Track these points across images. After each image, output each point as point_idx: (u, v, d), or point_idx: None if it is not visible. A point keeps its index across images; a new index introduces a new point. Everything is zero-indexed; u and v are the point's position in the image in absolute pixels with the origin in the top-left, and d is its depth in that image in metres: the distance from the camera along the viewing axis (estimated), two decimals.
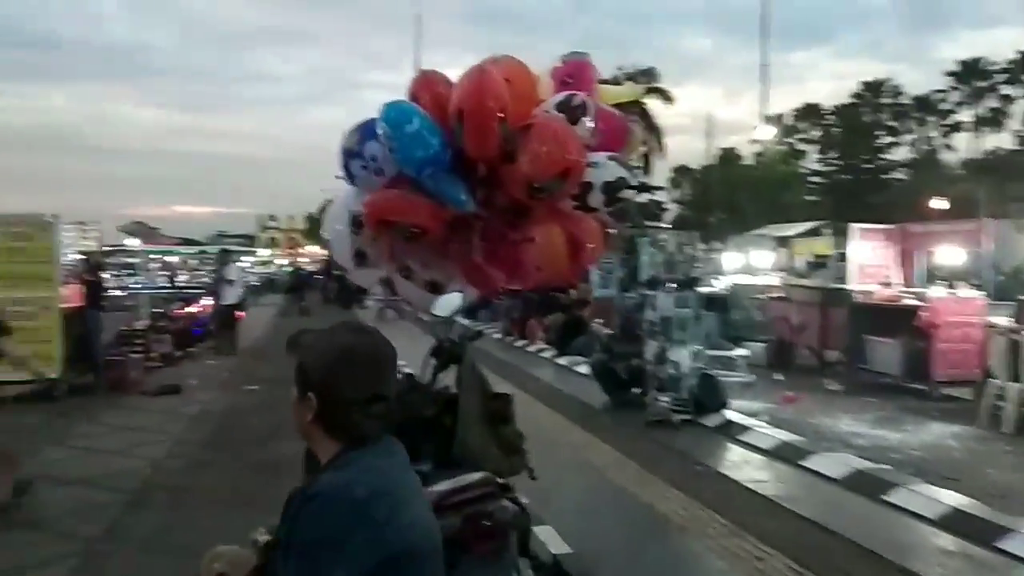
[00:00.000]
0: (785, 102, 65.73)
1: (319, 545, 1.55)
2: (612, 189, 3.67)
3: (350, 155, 3.71)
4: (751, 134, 40.42)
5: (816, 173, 54.76)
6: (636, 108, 30.22)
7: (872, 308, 11.22)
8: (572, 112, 3.65)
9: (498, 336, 16.77)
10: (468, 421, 3.78)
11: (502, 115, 3.34)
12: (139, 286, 27.19)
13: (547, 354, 13.64)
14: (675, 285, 8.16)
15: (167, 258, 37.36)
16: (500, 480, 2.99)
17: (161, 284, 30.13)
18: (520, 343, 15.36)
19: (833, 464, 6.33)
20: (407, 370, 4.75)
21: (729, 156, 43.22)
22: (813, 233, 16.22)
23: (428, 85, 3.72)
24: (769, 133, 36.98)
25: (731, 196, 37.26)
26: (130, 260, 34.08)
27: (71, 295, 11.35)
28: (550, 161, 3.39)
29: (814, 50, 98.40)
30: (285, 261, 51.80)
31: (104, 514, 5.47)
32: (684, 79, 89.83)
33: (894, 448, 7.32)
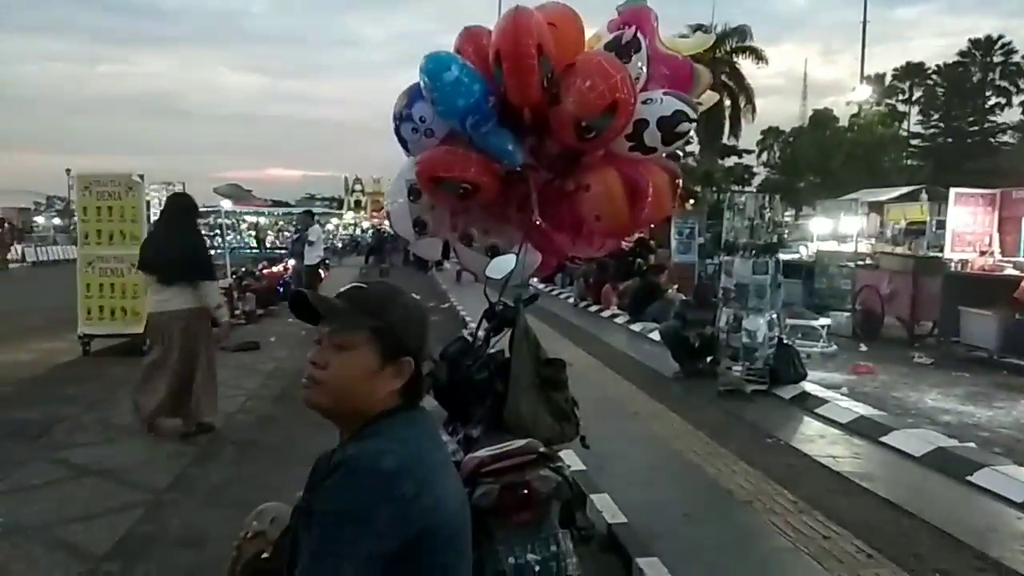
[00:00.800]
0: (887, 61, 62.71)
1: (343, 516, 1.49)
2: (669, 124, 3.47)
3: (401, 119, 3.68)
4: (848, 95, 38.72)
5: (917, 136, 52.14)
6: (725, 67, 29.13)
7: (968, 278, 10.62)
8: (622, 51, 3.51)
9: (572, 301, 16.63)
10: (520, 386, 3.69)
11: (541, 53, 3.21)
12: (229, 246, 28.00)
13: (621, 320, 13.42)
14: (752, 250, 7.82)
15: (257, 219, 38.52)
16: (542, 449, 2.87)
17: (249, 244, 31.08)
18: (594, 308, 15.17)
19: (915, 441, 5.99)
20: (463, 333, 4.68)
21: (822, 117, 41.37)
22: (909, 198, 15.37)
23: (472, 39, 3.62)
24: (865, 93, 35.18)
25: (824, 159, 35.80)
26: (222, 221, 35.20)
27: None
28: (596, 95, 3.25)
29: (920, 5, 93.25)
30: (369, 224, 52.67)
31: (173, 465, 5.63)
32: (779, 37, 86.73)
33: (983, 426, 6.89)
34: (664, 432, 6.55)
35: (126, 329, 10.09)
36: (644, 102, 3.42)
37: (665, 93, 3.52)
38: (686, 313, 8.91)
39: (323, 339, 1.65)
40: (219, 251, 20.30)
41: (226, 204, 32.84)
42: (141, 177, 10.39)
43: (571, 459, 5.55)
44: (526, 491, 2.72)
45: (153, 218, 14.70)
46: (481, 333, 3.90)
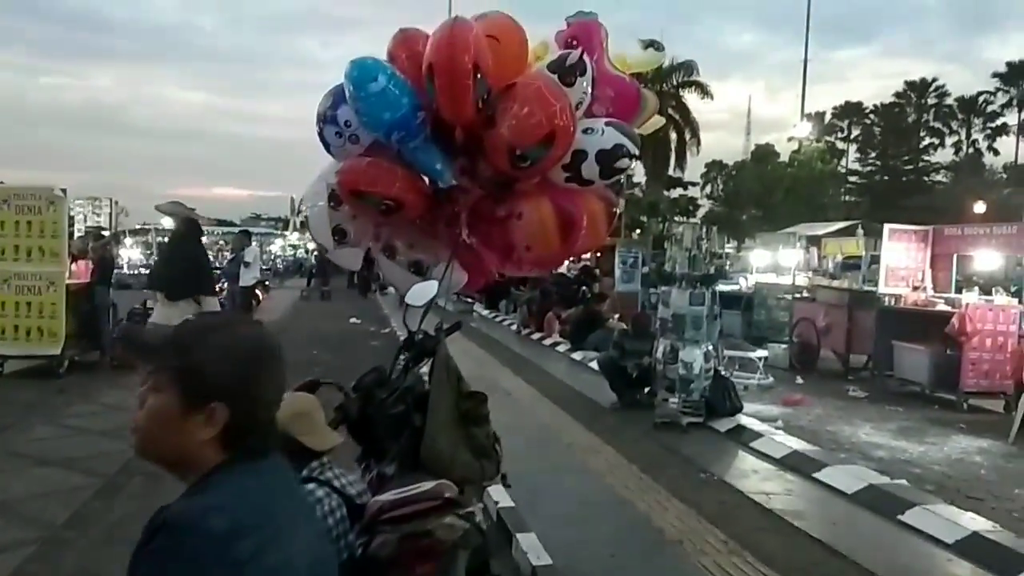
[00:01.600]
0: (827, 100, 64.58)
1: None
2: (609, 158, 3.27)
3: (325, 121, 3.39)
4: (789, 131, 39.63)
5: (854, 173, 53.67)
6: (672, 100, 29.51)
7: (901, 313, 10.74)
8: (566, 72, 3.25)
9: (515, 328, 16.46)
10: (438, 421, 3.47)
11: (478, 71, 3.00)
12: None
13: (562, 348, 13.29)
14: (690, 281, 7.77)
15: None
16: (448, 495, 2.66)
17: None
18: (537, 336, 15.02)
19: (847, 478, 5.93)
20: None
21: (763, 152, 42.28)
22: (845, 233, 15.62)
23: (406, 43, 3.34)
24: (805, 130, 36.09)
25: (765, 193, 36.49)
26: (158, 239, 34.27)
27: (80, 271, 11.25)
28: (533, 123, 3.04)
29: (859, 48, 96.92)
30: (313, 245, 51.97)
31: (74, 499, 5.27)
32: (725, 74, 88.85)
33: (915, 462, 6.89)
34: (598, 465, 6.39)
35: (42, 350, 9.60)
36: (584, 131, 3.21)
37: (607, 123, 3.30)
38: (624, 343, 8.81)
39: (143, 379, 1.41)
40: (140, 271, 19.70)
41: (167, 222, 32.07)
42: (64, 191, 9.92)
43: (500, 495, 5.36)
44: (428, 541, 2.51)
45: (77, 235, 14.13)
46: (399, 364, 3.69)
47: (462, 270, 3.80)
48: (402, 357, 3.69)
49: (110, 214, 36.43)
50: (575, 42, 3.50)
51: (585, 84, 3.26)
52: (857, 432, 7.97)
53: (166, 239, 8.66)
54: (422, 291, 3.73)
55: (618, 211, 4.01)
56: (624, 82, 3.69)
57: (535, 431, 7.44)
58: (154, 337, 1.41)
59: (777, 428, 7.69)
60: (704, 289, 7.81)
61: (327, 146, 3.49)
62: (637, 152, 3.35)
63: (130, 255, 25.92)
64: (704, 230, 7.96)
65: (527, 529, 4.77)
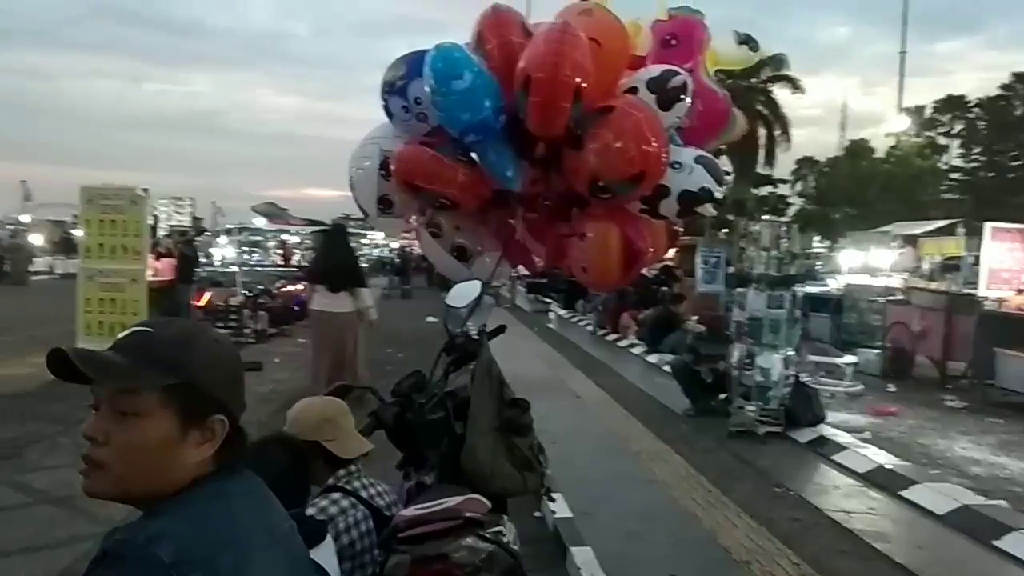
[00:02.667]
0: (927, 94, 61.75)
1: None
2: (692, 201, 3.06)
3: (392, 91, 3.10)
4: (886, 126, 38.02)
5: (957, 169, 50.97)
6: (760, 96, 28.70)
7: (1005, 317, 9.99)
8: (667, 94, 2.99)
9: (590, 328, 16.17)
10: (479, 429, 3.26)
11: (579, 90, 2.72)
12: (251, 264, 27.99)
13: (638, 350, 12.94)
14: (767, 282, 7.35)
15: (285, 237, 38.60)
16: (469, 513, 2.45)
17: (275, 262, 31.10)
18: (612, 337, 14.71)
19: (938, 497, 5.46)
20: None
21: (858, 148, 40.57)
22: (944, 232, 14.75)
23: (499, 28, 3.01)
24: (903, 124, 34.47)
25: (860, 190, 35.00)
26: (254, 238, 35.37)
27: (163, 268, 11.58)
28: (623, 160, 2.80)
29: (961, 40, 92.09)
30: (397, 244, 52.65)
31: None
32: (819, 68, 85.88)
33: (1016, 480, 6.32)
34: (665, 475, 6.08)
35: None
36: (672, 165, 2.95)
37: (697, 160, 3.06)
38: (699, 347, 8.44)
39: (99, 405, 1.23)
40: (244, 268, 20.27)
41: (259, 222, 32.97)
42: (145, 191, 10.22)
43: (558, 504, 5.13)
44: (442, 566, 2.31)
45: (160, 233, 14.58)
46: (440, 368, 3.50)
47: (506, 262, 3.60)
48: (443, 360, 3.52)
49: (192, 213, 37.73)
50: (674, 40, 3.24)
51: (682, 110, 3.01)
52: (952, 446, 7.39)
53: (317, 240, 9.96)
54: (464, 291, 3.55)
55: (679, 228, 3.79)
56: (716, 98, 3.36)
57: (601, 437, 7.18)
58: (109, 356, 1.22)
59: (863, 440, 7.20)
60: (784, 291, 7.37)
61: (390, 116, 3.22)
62: (720, 195, 3.15)
63: (224, 253, 26.77)
64: (784, 228, 7.50)
65: (583, 542, 4.54)
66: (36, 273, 29.20)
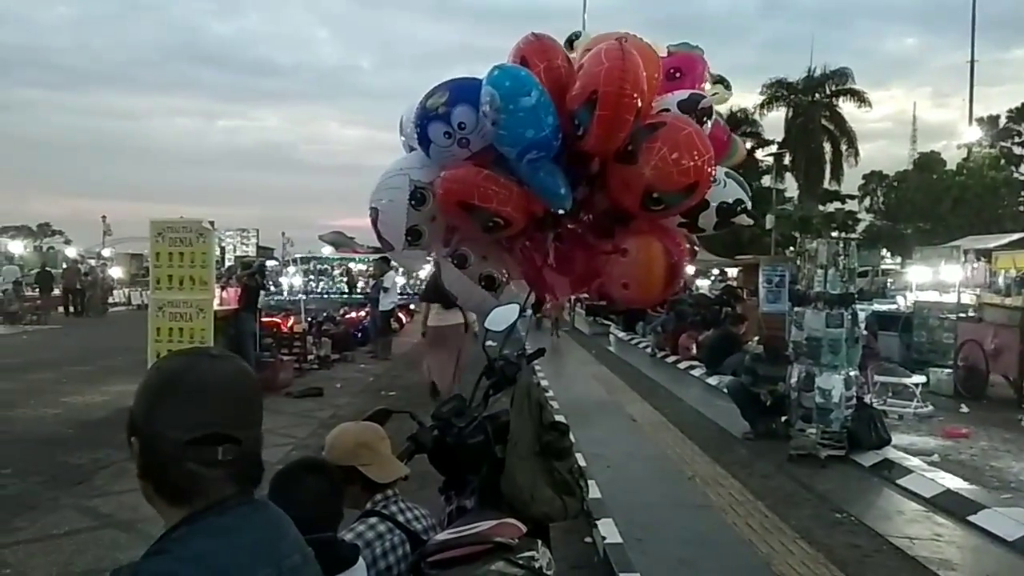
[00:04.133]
0: (1002, 103, 59.63)
1: None
2: (728, 211, 3.22)
3: (433, 117, 3.10)
4: (959, 137, 36.84)
5: None
6: (825, 110, 28.30)
7: None
8: (697, 115, 3.11)
9: (649, 351, 16.01)
10: (517, 454, 3.28)
11: (639, 106, 2.84)
12: (308, 291, 28.52)
13: (697, 372, 12.75)
14: (826, 301, 7.17)
15: (351, 265, 39.35)
16: (499, 539, 2.45)
17: (341, 290, 31.63)
18: (672, 359, 14.52)
19: (1008, 522, 5.23)
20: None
21: (928, 161, 39.37)
22: (1019, 245, 14.14)
23: (544, 53, 3.12)
24: (975, 135, 33.34)
25: (931, 204, 33.94)
26: (320, 267, 36.16)
27: (229, 298, 11.92)
28: (679, 171, 2.88)
29: None
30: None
31: None
32: (887, 81, 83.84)
33: None
34: (720, 500, 5.96)
35: None
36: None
37: (728, 174, 3.23)
38: (757, 368, 8.28)
39: None
40: (311, 295, 20.72)
41: (327, 251, 33.70)
42: (212, 224, 10.55)
43: (609, 530, 5.10)
44: None
45: (228, 263, 14.96)
46: (480, 392, 3.53)
47: (525, 287, 3.63)
48: (483, 384, 3.54)
49: (256, 243, 38.67)
50: (678, 72, 3.34)
51: (707, 130, 3.12)
52: None
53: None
54: (503, 315, 3.58)
55: (697, 248, 3.87)
56: (718, 125, 3.47)
57: (656, 461, 7.10)
58: None
59: (931, 463, 6.94)
60: (843, 310, 7.19)
61: (426, 143, 3.21)
62: (749, 208, 3.30)
63: (292, 282, 27.43)
64: (843, 245, 7.31)
65: (632, 569, 4.48)
66: (115, 304, 30.40)
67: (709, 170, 2.96)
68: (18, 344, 18.14)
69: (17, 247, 37.47)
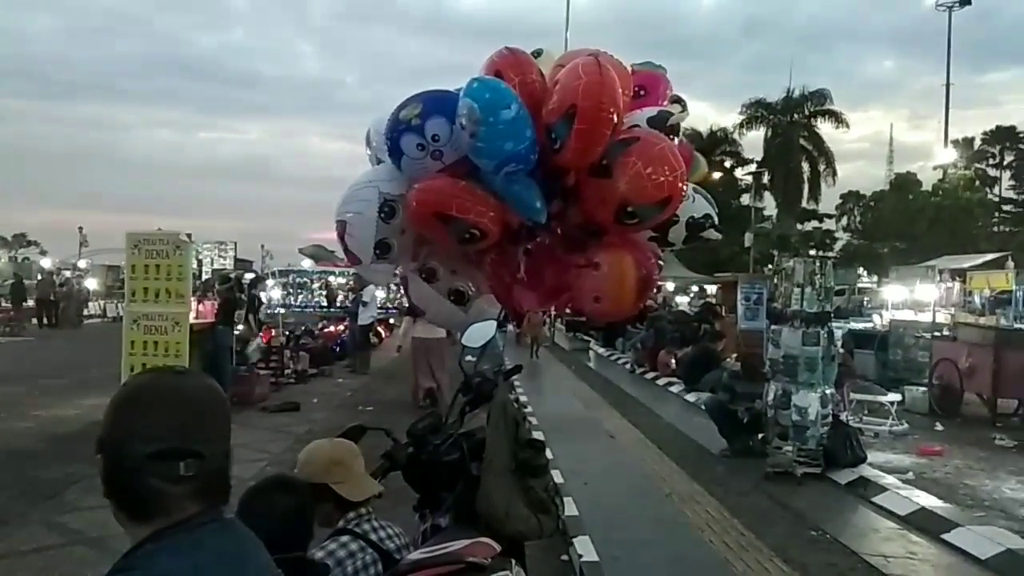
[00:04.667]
0: (978, 125, 60.64)
1: None
2: (696, 226, 3.29)
3: (406, 129, 3.05)
4: (935, 159, 37.38)
5: (1009, 201, 49.82)
6: (803, 130, 28.63)
7: None
8: (666, 131, 3.16)
9: (629, 367, 16.04)
10: (493, 471, 3.25)
11: (614, 121, 2.85)
12: (297, 305, 28.30)
13: (676, 388, 12.78)
14: (802, 320, 7.21)
15: (330, 279, 39.14)
16: (471, 559, 2.43)
17: (320, 303, 31.45)
18: (651, 375, 14.56)
19: (982, 540, 5.26)
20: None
21: (904, 181, 39.90)
22: (994, 265, 14.35)
23: (518, 67, 3.11)
24: (951, 157, 33.88)
25: (907, 224, 34.37)
26: (300, 280, 35.98)
27: (205, 311, 11.80)
28: (653, 185, 2.91)
29: (1012, 70, 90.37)
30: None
31: None
32: (864, 102, 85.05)
33: None
34: (697, 518, 5.96)
35: None
36: None
37: (695, 190, 3.31)
38: (734, 385, 8.31)
39: None
40: (274, 311, 20.54)
41: (307, 264, 33.52)
42: (189, 236, 10.45)
43: (586, 548, 5.08)
44: None
45: (205, 276, 14.86)
46: (456, 409, 3.50)
47: (495, 302, 3.63)
48: (460, 400, 3.52)
49: (234, 256, 38.41)
50: (642, 91, 3.37)
51: (676, 144, 3.17)
52: (1001, 487, 7.12)
53: None
54: (479, 332, 3.56)
55: (662, 262, 3.92)
56: (682, 143, 3.54)
57: (634, 478, 7.09)
58: None
59: (906, 481, 6.98)
60: (819, 328, 7.24)
61: (398, 155, 3.15)
62: (716, 223, 3.37)
63: (271, 295, 27.26)
64: (819, 264, 7.36)
65: None
66: (89, 317, 30.03)
67: (682, 185, 2.99)
68: None
69: None
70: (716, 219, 3.37)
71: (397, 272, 3.62)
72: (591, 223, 3.29)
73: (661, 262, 3.66)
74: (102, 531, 5.43)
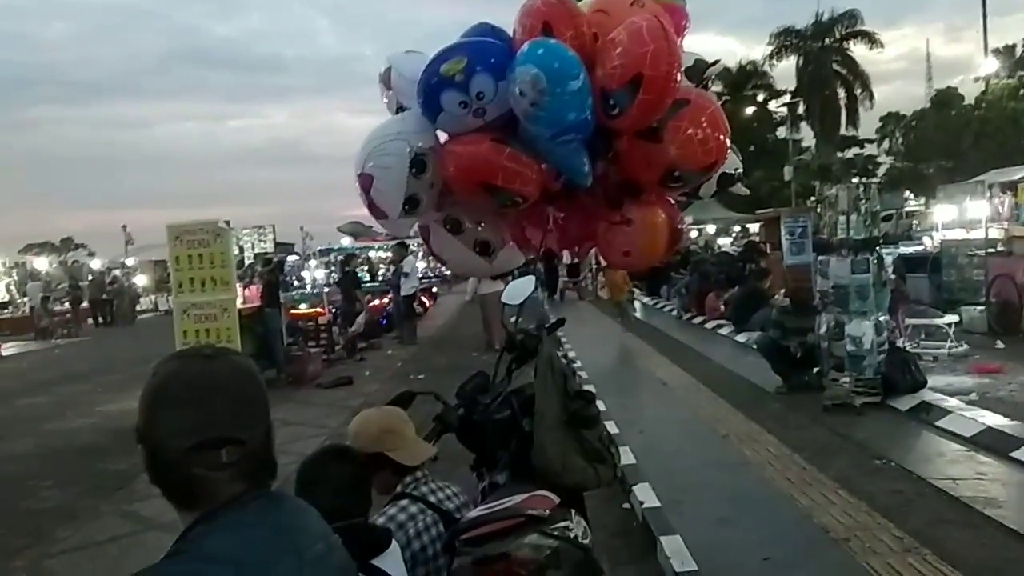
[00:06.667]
0: (1018, 32, 58.12)
1: None
2: (727, 181, 3.28)
3: (447, 85, 2.84)
4: (975, 71, 35.96)
5: None
6: (836, 55, 27.76)
7: None
8: (704, 83, 3.16)
9: (675, 313, 15.90)
10: (545, 425, 3.24)
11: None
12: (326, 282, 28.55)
13: (725, 331, 12.64)
14: (848, 247, 7.04)
15: (371, 254, 39.37)
16: (532, 511, 2.41)
17: (361, 279, 31.73)
18: (698, 320, 14.41)
19: None
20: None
21: (945, 97, 38.54)
22: None
23: (571, 19, 2.86)
24: (992, 66, 32.49)
25: (952, 141, 33.25)
26: (341, 257, 36.35)
27: (252, 295, 11.98)
28: (703, 151, 2.83)
29: None
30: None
31: None
32: (898, 20, 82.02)
33: None
34: (757, 457, 5.91)
35: None
36: None
37: None
38: (784, 320, 8.17)
39: None
40: (318, 288, 20.76)
41: (346, 241, 33.72)
42: (228, 223, 10.57)
43: (646, 494, 5.07)
44: (503, 564, 2.28)
45: (248, 260, 15.03)
46: (503, 367, 3.49)
47: (516, 248, 3.58)
48: (505, 358, 3.50)
49: (274, 239, 38.70)
50: None
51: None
52: None
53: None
54: (518, 288, 3.54)
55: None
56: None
57: (689, 423, 7.05)
58: None
59: (970, 403, 6.83)
60: (868, 254, 7.05)
61: (435, 110, 2.94)
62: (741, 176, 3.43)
63: (314, 275, 27.56)
64: (862, 189, 7.16)
65: (672, 531, 4.45)
66: (142, 312, 30.77)
67: (726, 149, 2.94)
68: (51, 358, 18.43)
69: (42, 263, 37.87)
70: (741, 172, 3.41)
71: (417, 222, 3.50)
72: (632, 183, 3.21)
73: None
74: (173, 516, 5.57)
